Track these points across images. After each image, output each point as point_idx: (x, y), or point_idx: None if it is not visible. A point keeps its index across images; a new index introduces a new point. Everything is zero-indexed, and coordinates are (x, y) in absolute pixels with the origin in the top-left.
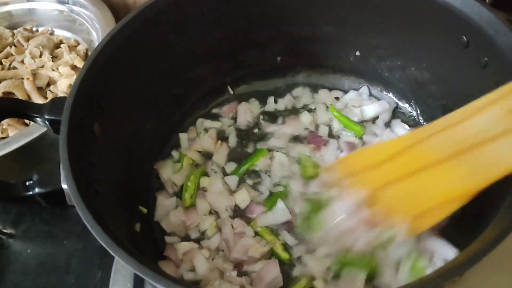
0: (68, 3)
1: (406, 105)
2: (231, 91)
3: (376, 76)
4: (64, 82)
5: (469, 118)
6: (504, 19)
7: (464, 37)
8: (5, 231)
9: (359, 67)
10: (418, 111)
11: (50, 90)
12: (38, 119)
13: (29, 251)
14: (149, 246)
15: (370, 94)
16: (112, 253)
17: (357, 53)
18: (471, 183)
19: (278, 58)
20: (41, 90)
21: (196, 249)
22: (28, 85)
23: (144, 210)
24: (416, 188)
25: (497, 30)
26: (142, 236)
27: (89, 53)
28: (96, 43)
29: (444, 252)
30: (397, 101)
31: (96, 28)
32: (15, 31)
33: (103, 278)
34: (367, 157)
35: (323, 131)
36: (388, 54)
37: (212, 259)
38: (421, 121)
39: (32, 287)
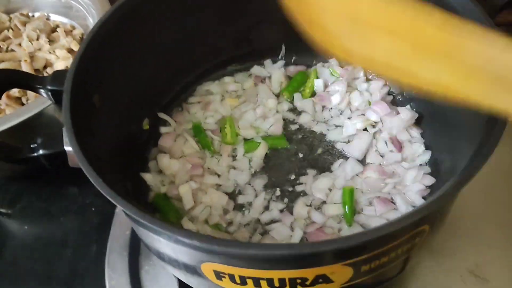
0: None
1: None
2: None
3: None
4: (60, 64)
5: None
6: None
7: None
8: (2, 210)
9: None
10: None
11: (47, 72)
12: (41, 90)
13: (26, 227)
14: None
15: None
16: (115, 203)
17: None
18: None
19: None
20: (38, 72)
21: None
22: (25, 67)
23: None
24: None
25: (465, 8)
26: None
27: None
28: None
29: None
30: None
31: (92, 14)
32: (11, 15)
33: (99, 252)
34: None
35: None
36: None
37: None
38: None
39: (29, 261)
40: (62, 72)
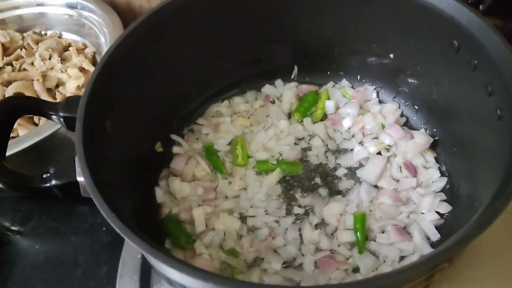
0: (77, 8)
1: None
2: None
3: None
4: (72, 84)
5: None
6: (491, 24)
7: (455, 41)
8: (14, 228)
9: (352, 70)
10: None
11: (59, 91)
12: (53, 116)
13: (37, 247)
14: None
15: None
16: (126, 238)
17: (353, 59)
18: None
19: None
20: (50, 91)
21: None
22: (38, 86)
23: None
24: None
25: (485, 34)
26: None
27: (97, 56)
28: (104, 47)
29: None
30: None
31: (104, 33)
32: (24, 34)
33: (110, 272)
34: None
35: None
36: (384, 58)
37: None
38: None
39: (39, 282)
40: (75, 98)
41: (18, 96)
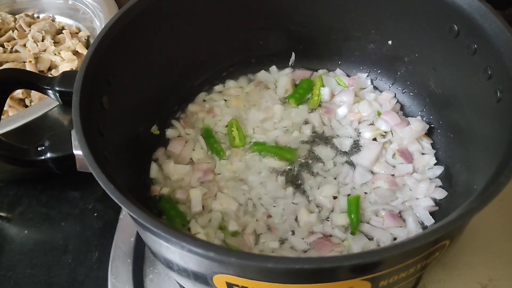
0: None
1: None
2: None
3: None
4: (66, 66)
5: None
6: (491, 7)
7: (455, 26)
8: (1, 213)
9: (349, 56)
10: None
11: (51, 74)
12: (49, 91)
13: (26, 232)
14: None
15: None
16: (125, 208)
17: (350, 45)
18: None
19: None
20: (42, 74)
21: None
22: (30, 68)
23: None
24: None
25: (485, 18)
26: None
27: (91, 39)
28: (99, 31)
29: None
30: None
31: (99, 16)
32: (16, 16)
33: (101, 258)
34: None
35: None
36: (382, 45)
37: None
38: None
39: (28, 267)
40: (71, 73)
41: (13, 69)
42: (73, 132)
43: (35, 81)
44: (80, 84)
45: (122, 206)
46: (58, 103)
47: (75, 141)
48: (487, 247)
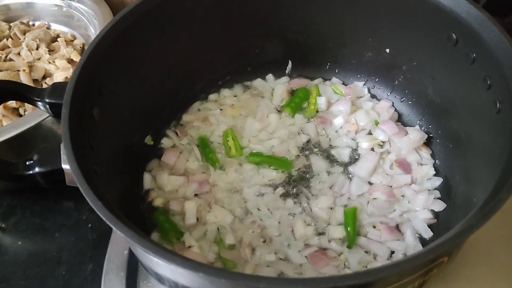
0: None
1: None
2: None
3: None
4: (60, 75)
5: None
6: (490, 16)
7: (453, 34)
8: None
9: (346, 65)
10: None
11: (45, 83)
12: (38, 102)
13: (19, 243)
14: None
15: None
16: (113, 226)
17: (347, 51)
18: None
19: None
20: (36, 83)
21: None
22: (24, 77)
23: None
24: None
25: (484, 26)
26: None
27: (86, 47)
28: None
29: None
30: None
31: (94, 24)
32: (11, 24)
33: (95, 270)
34: None
35: None
36: (379, 53)
37: None
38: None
39: (22, 279)
40: (61, 84)
41: (3, 80)
42: (62, 146)
43: (25, 92)
44: (70, 95)
45: (110, 225)
46: None
47: (64, 155)
48: (487, 260)
